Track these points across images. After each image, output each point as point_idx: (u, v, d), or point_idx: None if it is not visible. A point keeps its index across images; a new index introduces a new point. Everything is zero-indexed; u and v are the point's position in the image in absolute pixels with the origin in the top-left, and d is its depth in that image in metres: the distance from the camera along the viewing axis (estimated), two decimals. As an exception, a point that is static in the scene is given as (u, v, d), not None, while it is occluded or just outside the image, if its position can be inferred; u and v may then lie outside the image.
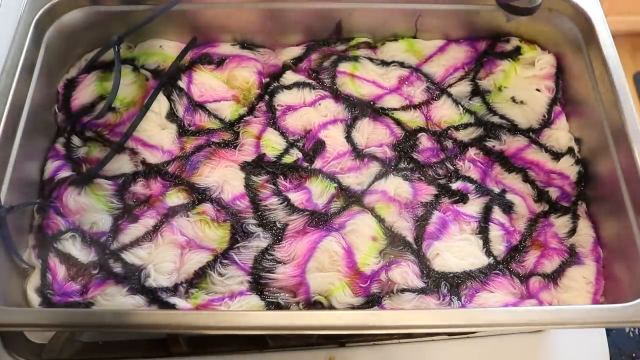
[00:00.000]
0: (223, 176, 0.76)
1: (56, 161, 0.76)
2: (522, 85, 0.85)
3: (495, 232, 0.74)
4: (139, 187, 0.75)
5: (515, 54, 0.87)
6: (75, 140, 0.78)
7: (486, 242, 0.73)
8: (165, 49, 0.85)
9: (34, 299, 0.67)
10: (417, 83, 0.85)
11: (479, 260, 0.72)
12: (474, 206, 0.76)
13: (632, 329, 0.81)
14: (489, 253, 0.73)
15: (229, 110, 0.82)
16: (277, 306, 0.68)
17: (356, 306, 0.68)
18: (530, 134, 0.81)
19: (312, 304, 0.68)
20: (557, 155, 0.80)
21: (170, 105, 0.81)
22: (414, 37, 0.89)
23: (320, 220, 0.73)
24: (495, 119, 0.82)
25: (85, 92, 0.81)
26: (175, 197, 0.74)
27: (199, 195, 0.75)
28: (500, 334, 0.77)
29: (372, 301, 0.69)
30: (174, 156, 0.78)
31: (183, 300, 0.68)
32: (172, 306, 0.67)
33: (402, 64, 0.86)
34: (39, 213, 0.72)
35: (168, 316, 0.62)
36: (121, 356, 0.74)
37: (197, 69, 0.84)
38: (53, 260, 0.69)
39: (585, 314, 0.62)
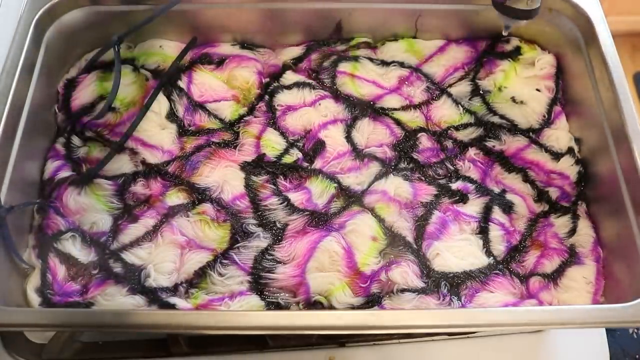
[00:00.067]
0: (223, 176, 0.76)
1: (56, 161, 0.76)
2: (522, 85, 0.85)
3: (495, 232, 0.74)
4: (139, 187, 0.75)
5: (515, 54, 0.87)
6: (75, 140, 0.78)
7: (486, 242, 0.73)
8: (165, 49, 0.85)
9: (34, 299, 0.67)
10: (417, 83, 0.85)
11: (479, 260, 0.72)
12: (474, 206, 0.76)
13: (636, 330, 0.81)
14: (489, 253, 0.73)
15: (229, 110, 0.82)
16: (277, 306, 0.68)
17: (356, 306, 0.68)
18: (530, 134, 0.81)
19: (312, 304, 0.68)
20: (557, 155, 0.80)
21: (170, 105, 0.81)
22: (414, 37, 0.89)
23: (320, 220, 0.73)
24: (495, 119, 0.82)
25: (85, 92, 0.81)
26: (175, 197, 0.74)
27: (199, 195, 0.75)
28: (500, 334, 0.77)
29: (372, 301, 0.69)
30: (174, 156, 0.78)
31: (183, 300, 0.68)
32: (172, 306, 0.67)
33: (402, 64, 0.86)
34: (39, 213, 0.72)
35: (168, 316, 0.62)
36: (121, 356, 0.74)
37: (197, 69, 0.84)
38: (53, 260, 0.69)
39: (585, 314, 0.62)
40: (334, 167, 0.78)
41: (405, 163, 0.79)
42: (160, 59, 0.84)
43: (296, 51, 0.87)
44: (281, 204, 0.74)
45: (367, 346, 0.75)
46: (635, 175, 0.69)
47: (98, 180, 0.74)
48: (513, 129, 0.82)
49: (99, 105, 0.80)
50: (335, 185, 0.76)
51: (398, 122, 0.82)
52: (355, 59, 0.86)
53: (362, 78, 0.85)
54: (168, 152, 0.78)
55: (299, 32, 0.87)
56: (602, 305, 0.68)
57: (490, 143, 0.81)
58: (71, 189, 0.73)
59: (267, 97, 0.83)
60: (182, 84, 0.83)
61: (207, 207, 0.74)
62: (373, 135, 0.81)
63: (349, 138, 0.80)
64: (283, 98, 0.83)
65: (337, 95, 0.83)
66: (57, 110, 0.80)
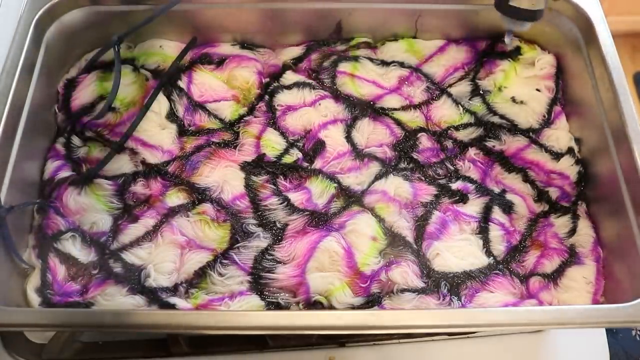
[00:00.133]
0: (223, 176, 0.76)
1: (56, 161, 0.76)
2: (522, 85, 0.85)
3: (495, 232, 0.74)
4: (139, 187, 0.75)
5: (515, 54, 0.87)
6: (75, 140, 0.78)
7: (486, 242, 0.73)
8: (165, 49, 0.85)
9: (34, 299, 0.67)
10: (417, 83, 0.85)
11: (479, 260, 0.72)
12: (474, 206, 0.76)
13: (638, 332, 0.81)
14: (489, 253, 0.73)
15: (229, 110, 0.82)
16: (277, 306, 0.68)
17: (356, 306, 0.68)
18: (530, 134, 0.81)
19: (312, 304, 0.68)
20: (557, 155, 0.80)
21: (170, 105, 0.81)
22: (414, 37, 0.89)
23: (320, 220, 0.73)
24: (495, 119, 0.82)
25: (85, 92, 0.81)
26: (175, 197, 0.74)
27: (199, 195, 0.75)
28: (500, 334, 0.77)
29: (372, 301, 0.69)
30: (174, 156, 0.78)
31: (183, 300, 0.68)
32: (172, 306, 0.67)
33: (402, 64, 0.86)
34: (39, 213, 0.72)
35: (168, 316, 0.62)
36: (121, 356, 0.74)
37: (197, 69, 0.84)
38: (53, 260, 0.69)
39: (585, 314, 0.62)
40: (334, 167, 0.78)
41: (405, 163, 0.79)
42: (160, 59, 0.84)
43: (296, 51, 0.87)
44: (281, 204, 0.74)
45: (367, 346, 0.75)
46: (635, 175, 0.69)
47: (98, 180, 0.74)
48: (513, 129, 0.82)
49: (99, 105, 0.80)
50: (335, 185, 0.76)
51: (398, 122, 0.82)
52: (355, 59, 0.86)
53: (362, 78, 0.85)
54: (168, 152, 0.78)
55: (299, 32, 0.87)
56: (602, 305, 0.68)
57: (490, 143, 0.81)
58: (71, 189, 0.73)
59: (267, 97, 0.83)
60: (182, 84, 0.83)
61: (207, 207, 0.74)
62: (373, 135, 0.81)
63: (349, 138, 0.80)
64: (283, 98, 0.83)
65: (337, 95, 0.83)
66: (57, 110, 0.80)
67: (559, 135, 0.81)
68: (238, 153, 0.78)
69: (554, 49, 0.86)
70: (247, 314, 0.64)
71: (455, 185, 0.77)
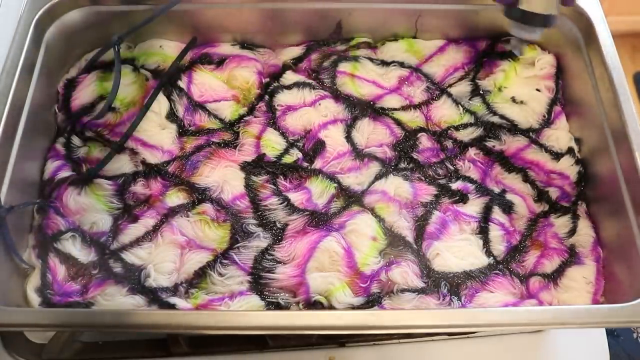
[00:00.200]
0: (223, 176, 0.76)
1: (56, 161, 0.76)
2: (522, 85, 0.85)
3: (495, 232, 0.74)
4: (139, 187, 0.75)
5: (515, 54, 0.87)
6: (75, 140, 0.78)
7: (486, 242, 0.73)
8: (165, 49, 0.85)
9: (34, 299, 0.67)
10: (417, 83, 0.85)
11: (479, 260, 0.72)
12: (474, 206, 0.76)
13: (640, 334, 0.81)
14: (489, 253, 0.73)
15: (229, 110, 0.82)
16: (277, 306, 0.68)
17: (356, 306, 0.68)
18: (530, 134, 0.81)
19: (312, 304, 0.68)
20: (557, 155, 0.80)
21: (170, 105, 0.81)
22: (414, 37, 0.88)
23: (320, 220, 0.73)
24: (495, 119, 0.82)
25: (85, 92, 0.81)
26: (175, 197, 0.74)
27: (199, 195, 0.75)
28: (500, 334, 0.77)
29: (372, 301, 0.68)
30: (174, 156, 0.78)
31: (183, 300, 0.68)
32: (172, 306, 0.67)
33: (402, 64, 0.86)
34: (39, 213, 0.72)
35: (168, 316, 0.62)
36: (121, 356, 0.74)
37: (197, 69, 0.84)
38: (53, 260, 0.69)
39: (585, 314, 0.62)
40: (334, 167, 0.78)
41: (405, 163, 0.79)
42: (160, 59, 0.84)
43: (296, 51, 0.87)
44: (281, 204, 0.74)
45: (367, 346, 0.75)
46: (635, 175, 0.69)
47: (98, 180, 0.74)
48: (513, 129, 0.82)
49: (99, 105, 0.80)
50: (335, 185, 0.76)
51: (398, 122, 0.82)
52: (355, 59, 0.86)
53: (362, 78, 0.85)
54: (168, 152, 0.78)
55: (299, 32, 0.87)
56: (602, 305, 0.68)
57: (490, 143, 0.81)
58: (71, 189, 0.73)
59: (267, 97, 0.83)
60: (182, 84, 0.83)
61: (207, 207, 0.74)
62: (373, 135, 0.81)
63: (349, 138, 0.80)
64: (283, 98, 0.83)
65: (337, 95, 0.83)
66: (57, 110, 0.80)
67: (559, 135, 0.81)
68: (238, 153, 0.78)
69: (554, 49, 0.86)
70: (247, 314, 0.64)
71: (455, 185, 0.77)
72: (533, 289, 0.71)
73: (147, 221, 0.72)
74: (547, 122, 0.82)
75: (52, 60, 0.79)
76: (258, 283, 0.69)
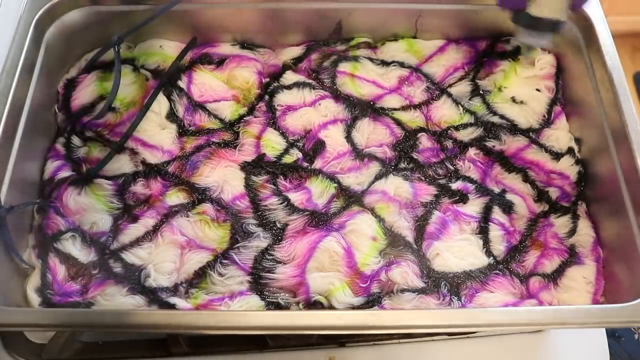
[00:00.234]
0: (223, 176, 0.76)
1: (56, 161, 0.76)
2: (522, 85, 0.85)
3: (495, 232, 0.74)
4: (139, 187, 0.75)
5: (515, 54, 0.86)
6: (75, 140, 0.78)
7: (486, 242, 0.73)
8: (165, 49, 0.85)
9: (34, 299, 0.67)
10: (417, 83, 0.85)
11: (479, 260, 0.72)
12: (474, 206, 0.76)
13: (641, 335, 0.81)
14: (489, 253, 0.73)
15: (229, 110, 0.82)
16: (277, 306, 0.68)
17: (356, 306, 0.68)
18: (530, 134, 0.81)
19: (312, 304, 0.68)
20: (557, 155, 0.80)
21: (170, 105, 0.81)
22: (414, 37, 0.88)
23: (320, 220, 0.73)
24: (495, 119, 0.82)
25: (85, 92, 0.81)
26: (175, 197, 0.74)
27: (199, 195, 0.75)
28: (500, 334, 0.77)
29: (372, 301, 0.68)
30: (174, 156, 0.78)
31: (183, 300, 0.68)
32: (172, 306, 0.67)
33: (402, 64, 0.86)
34: (39, 213, 0.72)
35: (168, 316, 0.62)
36: (121, 356, 0.74)
37: (197, 69, 0.84)
38: (53, 260, 0.69)
39: (585, 314, 0.62)
40: (334, 167, 0.78)
41: (405, 163, 0.79)
42: (160, 59, 0.84)
43: (296, 51, 0.87)
44: (281, 204, 0.74)
45: (367, 346, 0.75)
46: (635, 175, 0.70)
47: (98, 180, 0.74)
48: (513, 129, 0.82)
49: (99, 105, 0.80)
50: (335, 185, 0.76)
51: (398, 122, 0.82)
52: (355, 59, 0.86)
53: (362, 78, 0.85)
54: (168, 152, 0.78)
55: (299, 32, 0.87)
56: (602, 305, 0.68)
57: (490, 143, 0.81)
58: (71, 189, 0.73)
59: (267, 97, 0.83)
60: (182, 84, 0.83)
61: (207, 207, 0.74)
62: (373, 135, 0.81)
63: (349, 138, 0.80)
64: (283, 98, 0.83)
65: (337, 95, 0.83)
66: (57, 110, 0.80)
67: (559, 135, 0.81)
68: (238, 153, 0.78)
69: (554, 49, 0.86)
70: (247, 314, 0.64)
71: (455, 185, 0.77)
72: (533, 289, 0.71)
73: (147, 221, 0.72)
74: (547, 122, 0.82)
75: (52, 60, 0.79)
76: (258, 283, 0.69)
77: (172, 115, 0.80)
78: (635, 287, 0.66)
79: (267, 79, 0.85)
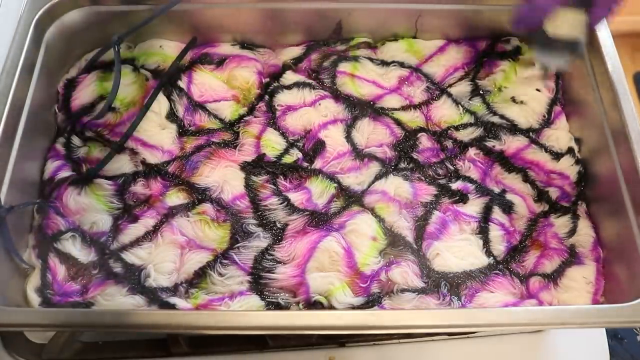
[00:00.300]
0: (223, 176, 0.76)
1: (56, 161, 0.76)
2: (522, 85, 0.85)
3: (495, 232, 0.74)
4: (139, 187, 0.75)
5: (515, 54, 0.87)
6: (75, 140, 0.78)
7: (486, 242, 0.73)
8: (165, 49, 0.85)
9: (34, 299, 0.67)
10: (417, 83, 0.85)
11: (479, 260, 0.72)
12: (474, 206, 0.76)
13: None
14: (489, 253, 0.73)
15: (229, 110, 0.82)
16: (277, 306, 0.68)
17: (356, 306, 0.68)
18: (530, 134, 0.81)
19: (312, 304, 0.68)
20: (557, 155, 0.80)
21: (170, 105, 0.81)
22: (414, 37, 0.88)
23: (320, 220, 0.73)
24: (495, 119, 0.82)
25: (85, 92, 0.81)
26: (175, 197, 0.74)
27: (199, 195, 0.75)
28: (500, 334, 0.77)
29: (372, 301, 0.68)
30: (174, 156, 0.78)
31: (183, 300, 0.68)
32: (172, 306, 0.67)
33: (402, 64, 0.86)
34: (39, 213, 0.72)
35: (168, 316, 0.62)
36: (121, 356, 0.74)
37: (197, 69, 0.84)
38: (53, 260, 0.69)
39: (585, 314, 0.62)
40: (334, 167, 0.78)
41: (405, 163, 0.79)
42: (160, 59, 0.84)
43: (296, 51, 0.87)
44: (281, 204, 0.74)
45: (367, 346, 0.75)
46: (635, 175, 0.70)
47: (98, 180, 0.74)
48: (513, 129, 0.82)
49: (99, 105, 0.80)
50: (335, 185, 0.76)
51: (398, 122, 0.82)
52: (355, 59, 0.86)
53: (362, 78, 0.85)
54: (168, 152, 0.78)
55: (299, 32, 0.87)
56: (602, 305, 0.68)
57: (490, 143, 0.81)
58: (71, 189, 0.73)
59: (267, 97, 0.83)
60: (182, 84, 0.83)
61: (207, 207, 0.74)
62: (373, 135, 0.81)
63: (349, 138, 0.80)
64: (283, 98, 0.83)
65: (337, 95, 0.83)
66: (57, 110, 0.80)
67: (559, 135, 0.81)
68: (238, 153, 0.78)
69: (554, 49, 0.86)
70: (247, 314, 0.64)
71: (455, 185, 0.77)
72: (533, 289, 0.71)
73: (147, 221, 0.72)
74: (547, 122, 0.82)
75: (52, 60, 0.79)
76: (258, 283, 0.69)
77: (172, 115, 0.80)
78: (635, 287, 0.66)
79: (267, 79, 0.85)
